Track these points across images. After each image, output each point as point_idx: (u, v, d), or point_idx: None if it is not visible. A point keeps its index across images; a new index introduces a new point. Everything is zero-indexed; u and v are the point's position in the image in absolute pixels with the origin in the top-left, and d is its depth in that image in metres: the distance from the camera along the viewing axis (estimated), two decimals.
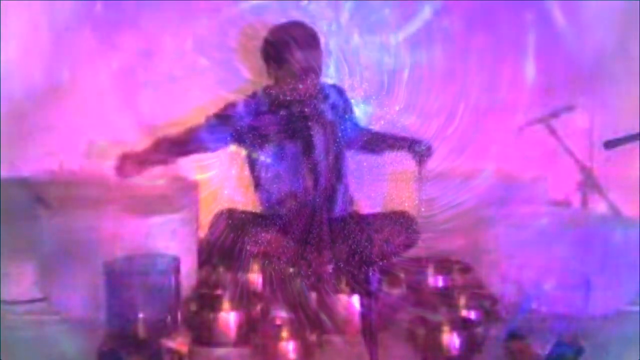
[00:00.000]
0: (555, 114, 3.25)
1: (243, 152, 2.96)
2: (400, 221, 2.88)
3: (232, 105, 2.89)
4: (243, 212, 2.93)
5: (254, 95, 2.91)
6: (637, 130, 2.74)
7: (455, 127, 3.04)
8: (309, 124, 2.86)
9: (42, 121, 2.94)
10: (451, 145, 3.02)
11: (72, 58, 2.94)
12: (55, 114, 2.96)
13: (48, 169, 2.83)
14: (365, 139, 2.98)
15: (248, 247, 2.72)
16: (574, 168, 3.20)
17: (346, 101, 2.97)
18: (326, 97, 2.90)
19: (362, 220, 2.88)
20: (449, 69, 3.11)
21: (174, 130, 2.88)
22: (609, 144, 2.77)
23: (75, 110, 2.98)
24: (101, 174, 2.80)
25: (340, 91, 2.96)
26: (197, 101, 3.05)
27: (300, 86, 2.82)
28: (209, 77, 3.06)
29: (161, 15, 3.02)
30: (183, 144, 2.86)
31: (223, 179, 3.14)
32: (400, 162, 3.07)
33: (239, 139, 2.90)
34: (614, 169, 3.14)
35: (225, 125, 2.86)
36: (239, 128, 2.87)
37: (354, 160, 2.99)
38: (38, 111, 2.94)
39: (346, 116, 2.95)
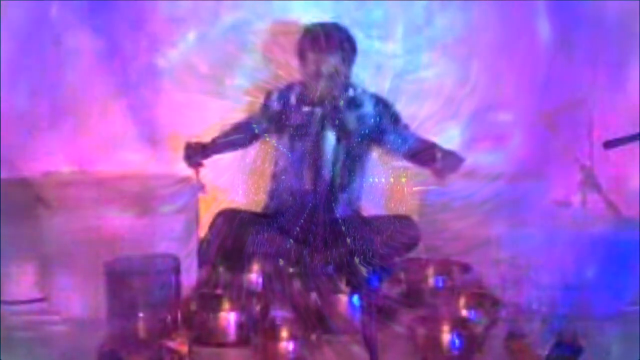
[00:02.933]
0: (555, 113, 3.25)
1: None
2: (402, 223, 2.88)
3: (268, 94, 2.94)
4: (244, 212, 2.93)
5: (289, 88, 2.93)
6: (637, 130, 2.74)
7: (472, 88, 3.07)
8: (322, 126, 2.86)
9: (42, 121, 2.95)
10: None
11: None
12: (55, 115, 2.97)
13: (48, 169, 2.83)
14: (413, 150, 2.89)
15: (248, 247, 2.72)
16: (574, 168, 3.20)
17: (386, 111, 2.89)
18: (353, 104, 2.88)
19: (364, 222, 2.88)
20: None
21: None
22: (609, 144, 2.77)
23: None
24: (101, 174, 2.80)
25: (379, 101, 2.90)
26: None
27: (315, 87, 2.82)
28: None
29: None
30: (232, 139, 2.92)
31: (224, 179, 3.15)
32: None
33: (269, 128, 2.94)
34: (614, 169, 3.14)
35: (265, 113, 2.92)
36: (270, 118, 2.91)
37: (366, 164, 2.99)
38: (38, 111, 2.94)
39: (383, 127, 2.88)
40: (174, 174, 2.91)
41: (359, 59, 2.94)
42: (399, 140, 2.89)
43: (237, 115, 3.04)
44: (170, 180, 2.77)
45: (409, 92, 3.08)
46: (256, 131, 2.93)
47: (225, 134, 2.93)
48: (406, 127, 2.91)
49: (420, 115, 3.04)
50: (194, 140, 2.85)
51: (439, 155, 2.72)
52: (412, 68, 3.14)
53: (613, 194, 3.13)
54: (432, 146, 2.81)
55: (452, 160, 2.75)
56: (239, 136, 2.94)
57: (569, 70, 3.18)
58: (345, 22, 2.93)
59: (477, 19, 3.19)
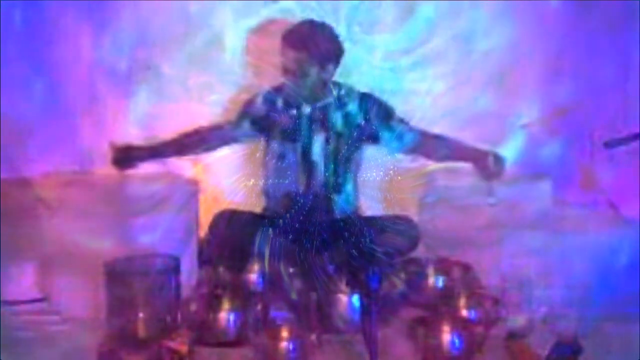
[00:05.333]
0: (556, 114, 3.25)
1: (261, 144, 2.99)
2: (402, 224, 2.87)
3: (255, 95, 2.92)
4: (243, 212, 2.93)
5: (277, 88, 2.91)
6: (637, 130, 2.74)
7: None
8: (309, 128, 2.85)
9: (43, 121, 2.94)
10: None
11: None
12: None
13: (48, 169, 2.82)
14: (413, 143, 2.89)
15: (248, 248, 2.72)
16: (574, 168, 3.20)
17: (374, 108, 2.88)
18: (340, 103, 2.87)
19: (364, 222, 2.87)
20: None
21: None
22: (609, 144, 2.77)
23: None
24: (101, 174, 2.80)
25: (366, 98, 2.89)
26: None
27: (291, 84, 2.80)
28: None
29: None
30: (210, 139, 2.91)
31: (224, 179, 3.15)
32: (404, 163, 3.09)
33: (258, 130, 2.92)
34: (614, 169, 3.14)
35: (248, 115, 2.90)
36: (257, 118, 2.89)
37: (360, 163, 2.98)
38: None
39: (373, 123, 2.87)
40: (173, 174, 2.91)
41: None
42: (393, 136, 2.88)
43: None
44: (170, 180, 2.77)
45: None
46: (234, 134, 2.91)
47: (187, 136, 2.89)
48: (402, 121, 2.89)
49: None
50: (125, 143, 2.82)
51: (491, 159, 2.72)
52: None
53: (613, 194, 3.13)
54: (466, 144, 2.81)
55: (501, 163, 2.74)
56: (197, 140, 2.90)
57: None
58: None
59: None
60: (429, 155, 2.96)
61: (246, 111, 2.91)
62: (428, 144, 2.90)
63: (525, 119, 3.10)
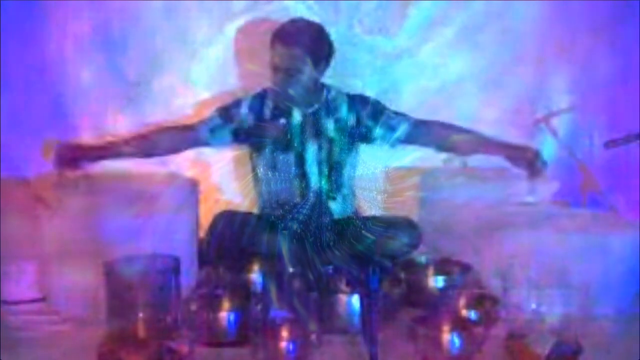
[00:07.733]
0: (555, 114, 3.25)
1: (245, 151, 2.96)
2: (402, 224, 2.87)
3: (238, 102, 2.87)
4: (243, 213, 2.93)
5: (262, 94, 2.88)
6: (637, 130, 2.75)
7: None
8: (303, 134, 2.83)
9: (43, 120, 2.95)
10: None
11: None
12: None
13: (48, 169, 2.82)
14: (411, 134, 2.85)
15: (248, 248, 2.72)
16: (574, 168, 3.20)
17: (365, 107, 2.86)
18: (332, 107, 2.85)
19: (364, 222, 2.87)
20: None
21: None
22: (609, 144, 2.78)
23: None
24: (101, 173, 2.80)
25: (355, 98, 2.88)
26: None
27: (276, 82, 2.76)
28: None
29: None
30: (178, 140, 2.85)
31: (224, 179, 3.16)
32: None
33: (241, 138, 2.88)
34: (614, 169, 3.14)
35: (229, 122, 2.84)
36: (241, 126, 2.84)
37: (357, 163, 2.97)
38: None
39: (368, 123, 2.84)
40: (173, 173, 2.91)
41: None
42: (390, 130, 2.86)
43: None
44: (170, 180, 2.77)
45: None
46: (208, 140, 2.84)
47: (152, 135, 2.84)
48: (396, 114, 2.87)
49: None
50: (74, 141, 2.79)
51: (538, 156, 2.69)
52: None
53: (613, 194, 3.13)
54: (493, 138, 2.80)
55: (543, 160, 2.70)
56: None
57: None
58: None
59: None
60: (442, 147, 2.92)
61: (227, 119, 2.84)
62: (433, 135, 2.86)
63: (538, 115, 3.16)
